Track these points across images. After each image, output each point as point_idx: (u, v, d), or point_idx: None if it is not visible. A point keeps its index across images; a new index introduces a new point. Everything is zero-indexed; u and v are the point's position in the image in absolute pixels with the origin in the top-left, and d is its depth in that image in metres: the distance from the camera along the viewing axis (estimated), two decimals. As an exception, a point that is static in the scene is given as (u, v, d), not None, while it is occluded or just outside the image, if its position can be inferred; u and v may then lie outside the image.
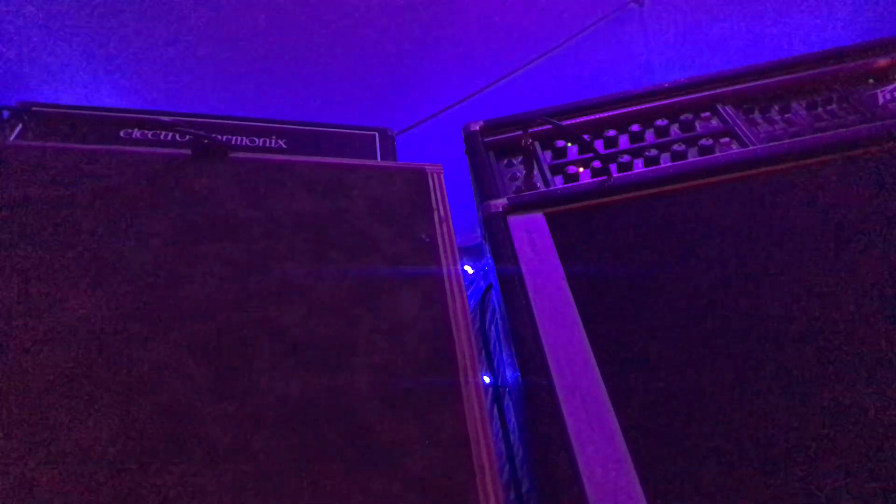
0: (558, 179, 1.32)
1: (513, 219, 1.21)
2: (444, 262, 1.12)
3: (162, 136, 1.46)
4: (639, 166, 1.30)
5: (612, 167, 1.29)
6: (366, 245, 1.12)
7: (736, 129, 1.33)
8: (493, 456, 0.86)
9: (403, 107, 2.15)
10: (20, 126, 1.38)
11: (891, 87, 1.32)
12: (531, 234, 1.17)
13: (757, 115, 1.36)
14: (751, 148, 1.26)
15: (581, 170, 1.32)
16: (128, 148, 1.36)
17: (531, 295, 1.06)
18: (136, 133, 1.45)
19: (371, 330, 0.99)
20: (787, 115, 1.34)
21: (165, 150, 1.27)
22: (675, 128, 1.39)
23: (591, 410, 0.89)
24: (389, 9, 2.05)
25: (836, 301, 0.98)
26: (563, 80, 2.21)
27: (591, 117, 1.44)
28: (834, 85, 1.37)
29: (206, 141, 1.24)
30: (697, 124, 1.39)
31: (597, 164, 1.29)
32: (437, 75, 2.20)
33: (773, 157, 1.20)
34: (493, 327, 1.61)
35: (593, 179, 1.28)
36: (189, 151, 1.23)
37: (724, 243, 1.10)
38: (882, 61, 1.38)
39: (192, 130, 1.30)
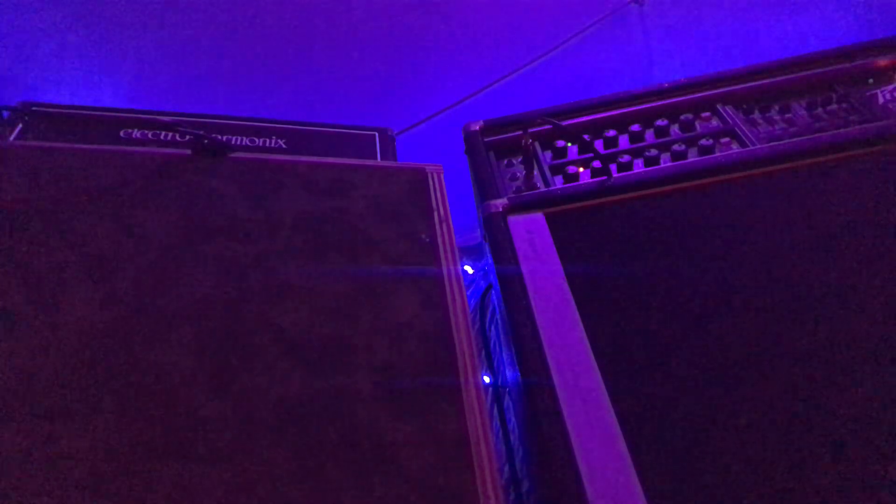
0: (558, 179, 1.32)
1: (513, 219, 1.21)
2: (444, 262, 1.12)
3: (162, 136, 1.46)
4: (639, 166, 1.30)
5: (612, 167, 1.29)
6: (366, 245, 1.12)
7: (736, 129, 1.33)
8: (493, 456, 0.86)
9: (403, 107, 2.15)
10: (20, 126, 1.38)
11: (891, 87, 1.32)
12: (531, 234, 1.17)
13: (757, 115, 1.36)
14: (751, 148, 1.26)
15: (581, 170, 1.32)
16: (128, 148, 1.36)
17: (531, 295, 1.06)
18: (136, 133, 1.45)
19: (371, 330, 0.99)
20: (787, 115, 1.34)
21: (165, 150, 1.27)
22: (675, 128, 1.39)
23: (591, 410, 0.89)
24: (389, 9, 2.05)
25: (837, 300, 0.98)
26: (563, 80, 2.21)
27: (591, 117, 1.44)
28: (834, 85, 1.37)
29: (206, 141, 1.24)
30: (697, 124, 1.39)
31: (597, 164, 1.29)
32: (437, 75, 2.20)
33: (774, 157, 1.20)
34: (493, 327, 1.61)
35: (593, 179, 1.28)
36: (189, 151, 1.23)
37: (724, 243, 1.10)
38: (882, 61, 1.38)
39: (192, 130, 1.30)
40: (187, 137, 1.38)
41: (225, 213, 1.13)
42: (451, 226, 1.19)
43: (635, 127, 1.39)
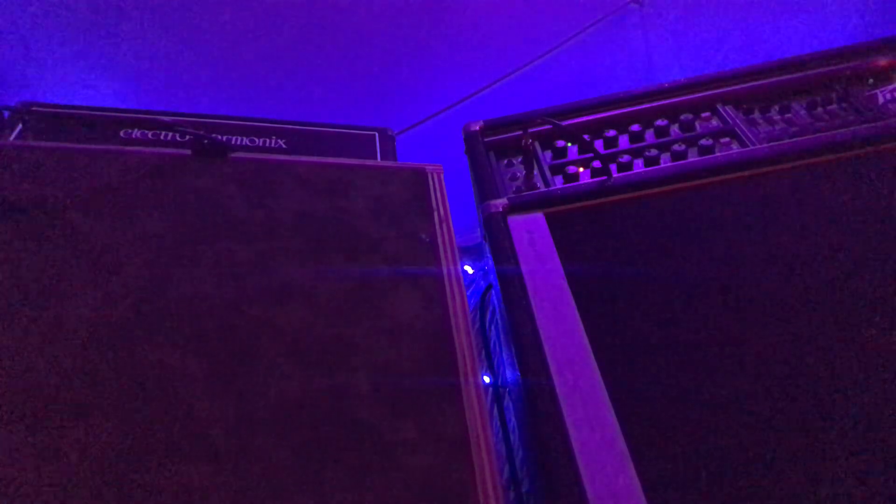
0: (558, 179, 1.32)
1: (513, 219, 1.21)
2: (444, 262, 1.12)
3: (162, 136, 1.45)
4: (639, 166, 1.30)
5: (612, 167, 1.29)
6: (366, 245, 1.12)
7: (736, 129, 1.33)
8: (493, 456, 0.86)
9: (403, 107, 2.15)
10: (20, 126, 1.38)
11: (891, 87, 1.32)
12: (531, 234, 1.17)
13: (757, 115, 1.36)
14: (751, 148, 1.26)
15: (581, 170, 1.32)
16: (128, 148, 1.36)
17: (531, 295, 1.06)
18: (136, 133, 1.45)
19: (371, 330, 0.99)
20: (787, 115, 1.34)
21: (165, 150, 1.27)
22: (675, 128, 1.39)
23: (591, 410, 0.89)
24: (390, 9, 2.05)
25: (837, 300, 0.98)
26: (563, 80, 2.21)
27: (591, 117, 1.44)
28: (834, 85, 1.37)
29: (206, 141, 1.24)
30: (697, 124, 1.39)
31: (597, 164, 1.29)
32: (437, 75, 2.20)
33: (774, 157, 1.20)
34: (493, 327, 1.61)
35: (593, 179, 1.28)
36: (189, 151, 1.23)
37: (724, 243, 1.10)
38: (882, 61, 1.38)
39: (192, 130, 1.30)
40: (187, 137, 1.38)
41: (225, 213, 1.13)
42: (451, 226, 1.19)
43: (635, 127, 1.39)
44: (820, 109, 1.33)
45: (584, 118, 1.43)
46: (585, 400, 0.90)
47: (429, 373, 0.95)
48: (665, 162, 1.30)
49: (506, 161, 1.42)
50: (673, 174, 1.23)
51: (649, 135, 1.39)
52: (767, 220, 1.11)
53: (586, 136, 1.37)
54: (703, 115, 1.40)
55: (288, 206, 1.16)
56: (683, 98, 1.43)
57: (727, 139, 1.32)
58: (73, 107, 1.50)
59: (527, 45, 2.18)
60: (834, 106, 1.33)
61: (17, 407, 0.82)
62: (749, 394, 0.90)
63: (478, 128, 1.47)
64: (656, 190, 1.21)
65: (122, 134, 1.45)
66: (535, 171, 1.35)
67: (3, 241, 1.00)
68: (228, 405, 0.87)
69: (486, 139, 1.45)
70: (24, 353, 0.88)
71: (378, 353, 0.96)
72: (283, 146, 1.53)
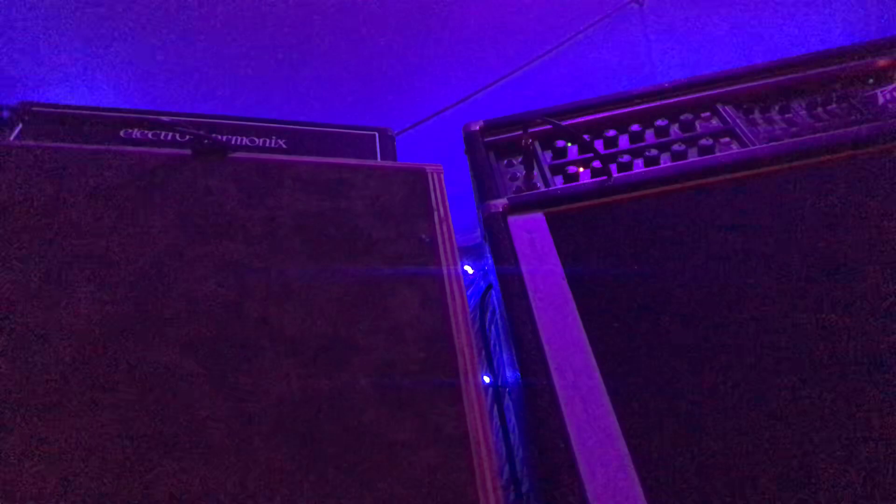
0: (558, 179, 1.32)
1: (513, 219, 1.21)
2: (444, 262, 1.12)
3: (162, 136, 1.46)
4: (639, 166, 1.30)
5: (612, 167, 1.29)
6: (366, 245, 1.12)
7: (736, 129, 1.33)
8: (493, 456, 0.86)
9: (403, 107, 2.15)
10: (20, 126, 1.38)
11: (891, 87, 1.32)
12: (531, 234, 1.17)
13: (757, 115, 1.36)
14: (751, 148, 1.26)
15: (581, 170, 1.32)
16: (128, 148, 1.36)
17: (531, 295, 1.06)
18: (136, 133, 1.45)
19: (371, 330, 0.99)
20: (787, 115, 1.34)
21: (165, 150, 1.27)
22: (675, 128, 1.39)
23: (591, 411, 0.89)
24: (390, 9, 2.05)
25: (836, 301, 0.98)
26: (564, 80, 2.21)
27: (591, 117, 1.44)
28: (834, 85, 1.37)
29: (206, 141, 1.24)
30: (697, 124, 1.39)
31: (597, 164, 1.29)
32: (437, 75, 2.20)
33: (773, 157, 1.20)
34: (493, 327, 1.61)
35: (593, 179, 1.28)
36: (189, 151, 1.23)
37: (723, 243, 1.10)
38: (882, 61, 1.38)
39: (192, 130, 1.30)
40: (187, 137, 1.38)
41: (225, 213, 1.13)
42: (451, 226, 1.19)
43: (635, 127, 1.39)
44: (820, 109, 1.33)
45: (584, 118, 1.43)
46: (585, 400, 0.90)
47: (429, 373, 0.95)
48: (665, 162, 1.30)
49: (506, 161, 1.42)
50: (673, 174, 1.23)
51: (649, 135, 1.39)
52: (767, 220, 1.11)
53: (586, 136, 1.38)
54: (703, 115, 1.40)
55: (288, 206, 1.16)
56: (683, 98, 1.43)
57: (727, 139, 1.33)
58: (73, 107, 1.50)
59: (527, 45, 2.18)
60: (834, 106, 1.33)
61: (16, 406, 0.82)
62: (749, 393, 0.90)
63: (478, 128, 1.47)
64: (656, 190, 1.21)
65: (122, 134, 1.45)
66: (535, 171, 1.35)
67: (3, 240, 1.00)
68: (228, 405, 0.87)
69: (486, 139, 1.45)
70: (24, 351, 0.88)
71: (378, 353, 0.96)
72: (283, 146, 1.53)
